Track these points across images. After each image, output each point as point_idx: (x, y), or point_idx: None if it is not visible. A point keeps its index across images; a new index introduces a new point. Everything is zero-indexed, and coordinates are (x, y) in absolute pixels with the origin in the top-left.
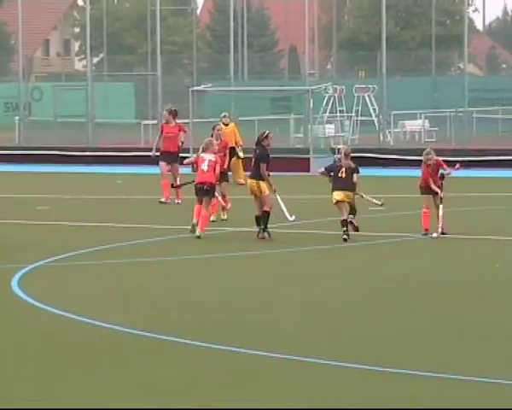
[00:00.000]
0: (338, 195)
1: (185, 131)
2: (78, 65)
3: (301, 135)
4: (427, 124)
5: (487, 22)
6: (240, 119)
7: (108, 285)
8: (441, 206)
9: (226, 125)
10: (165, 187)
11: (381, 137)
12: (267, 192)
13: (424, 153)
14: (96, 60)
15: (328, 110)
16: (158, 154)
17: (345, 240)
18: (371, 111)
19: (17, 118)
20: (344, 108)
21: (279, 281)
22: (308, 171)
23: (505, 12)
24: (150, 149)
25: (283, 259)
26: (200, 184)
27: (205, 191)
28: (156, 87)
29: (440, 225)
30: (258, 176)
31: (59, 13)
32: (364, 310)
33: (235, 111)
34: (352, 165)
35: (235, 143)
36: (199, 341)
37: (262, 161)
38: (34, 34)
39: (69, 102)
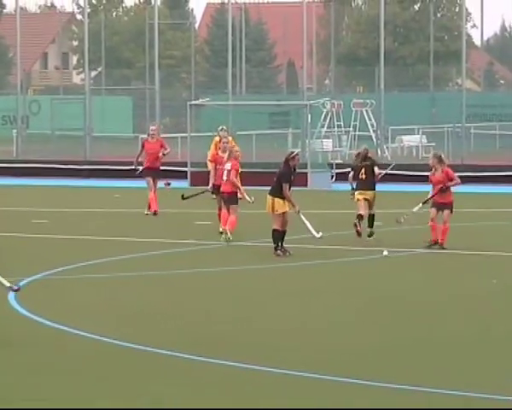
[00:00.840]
0: (360, 194)
1: (166, 148)
2: (76, 78)
3: (299, 150)
4: (424, 139)
5: (485, 38)
6: (238, 133)
7: (104, 299)
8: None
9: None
10: (152, 200)
11: (379, 152)
12: (279, 211)
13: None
14: (94, 73)
15: (325, 125)
16: (140, 168)
17: (357, 232)
18: (369, 126)
19: (15, 131)
20: (342, 123)
21: (271, 295)
22: (306, 185)
23: (503, 28)
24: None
25: (276, 273)
26: (222, 193)
27: (226, 200)
28: (154, 101)
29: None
30: (275, 193)
31: (57, 26)
32: (359, 324)
33: (233, 125)
34: (368, 162)
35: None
36: (192, 354)
37: (283, 180)
38: (32, 47)
39: (67, 116)
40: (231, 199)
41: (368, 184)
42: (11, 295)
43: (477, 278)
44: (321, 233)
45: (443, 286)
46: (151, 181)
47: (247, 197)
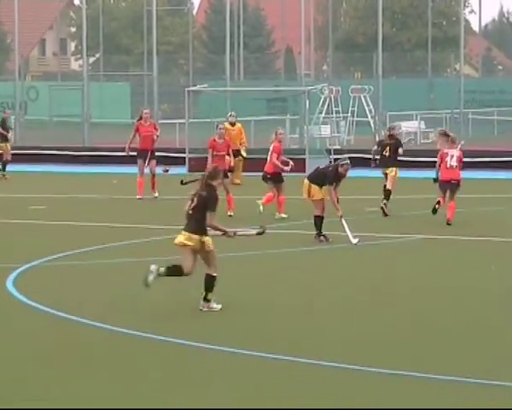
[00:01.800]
0: (382, 170)
1: (157, 130)
2: (75, 65)
3: (297, 136)
4: (422, 125)
5: (483, 24)
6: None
7: (103, 285)
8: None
9: (233, 124)
10: (140, 185)
11: (377, 138)
12: (315, 197)
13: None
14: (92, 60)
15: (323, 111)
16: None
17: (381, 209)
18: (367, 112)
19: (13, 117)
20: (340, 109)
21: (270, 281)
22: (304, 171)
23: (501, 13)
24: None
25: (278, 259)
26: (265, 174)
27: (271, 180)
28: (152, 87)
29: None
30: (313, 179)
31: (55, 12)
32: (362, 311)
33: (231, 111)
34: (393, 141)
35: (240, 144)
36: (190, 341)
37: (327, 181)
38: (30, 34)
39: (65, 102)
40: (275, 179)
41: (390, 161)
42: (9, 281)
43: (475, 264)
44: (358, 239)
45: (443, 272)
46: (142, 165)
47: (286, 168)
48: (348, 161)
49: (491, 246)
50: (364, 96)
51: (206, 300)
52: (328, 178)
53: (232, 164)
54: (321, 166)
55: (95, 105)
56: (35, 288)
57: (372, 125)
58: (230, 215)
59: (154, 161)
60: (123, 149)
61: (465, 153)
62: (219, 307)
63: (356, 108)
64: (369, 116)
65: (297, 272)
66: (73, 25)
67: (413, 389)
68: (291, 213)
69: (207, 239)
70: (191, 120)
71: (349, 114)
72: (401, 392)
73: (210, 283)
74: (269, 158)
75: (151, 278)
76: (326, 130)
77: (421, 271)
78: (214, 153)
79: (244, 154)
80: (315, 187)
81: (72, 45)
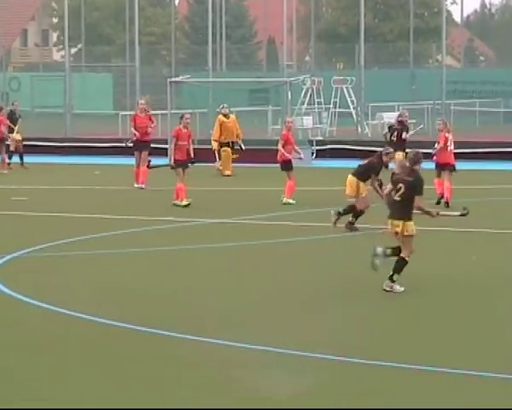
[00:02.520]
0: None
1: (152, 122)
2: (57, 55)
3: (279, 127)
4: None
5: (465, 15)
6: (217, 110)
7: (87, 276)
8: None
9: (226, 116)
10: (140, 174)
11: (359, 129)
12: (363, 194)
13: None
14: (74, 50)
15: (306, 102)
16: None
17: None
18: (349, 103)
19: None
20: (322, 100)
21: (244, 273)
22: None
23: (483, 4)
24: (128, 140)
25: (258, 250)
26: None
27: (282, 168)
28: (134, 78)
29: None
30: (361, 176)
31: (37, 3)
32: (334, 300)
33: (213, 102)
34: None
35: (236, 136)
36: (172, 331)
37: (373, 172)
38: (12, 24)
39: (47, 93)
40: (287, 167)
41: (397, 145)
42: None
43: (456, 254)
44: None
45: (423, 262)
46: (139, 155)
47: (300, 155)
48: (391, 150)
49: (473, 236)
50: (346, 87)
51: (391, 280)
52: (374, 168)
53: (192, 155)
54: (363, 162)
55: (77, 96)
56: (17, 279)
57: (354, 116)
58: (175, 204)
59: (146, 152)
60: (105, 140)
61: None
62: (402, 289)
63: (338, 99)
64: (352, 107)
65: (267, 262)
66: (55, 15)
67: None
68: (270, 204)
69: (410, 224)
70: (173, 111)
71: (331, 105)
72: (356, 379)
73: (400, 265)
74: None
75: (377, 262)
76: (308, 121)
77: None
78: (178, 142)
79: (242, 146)
80: (362, 184)
81: (54, 36)
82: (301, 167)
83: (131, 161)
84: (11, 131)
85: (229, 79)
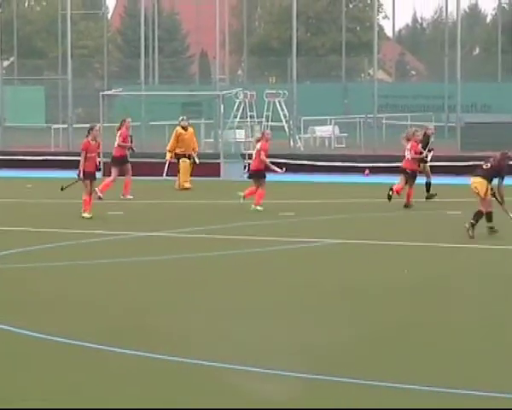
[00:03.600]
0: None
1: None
2: None
3: (212, 140)
4: (337, 130)
5: (397, 29)
6: (150, 123)
7: (20, 290)
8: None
9: (185, 128)
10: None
11: (292, 143)
12: (489, 196)
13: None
14: (6, 63)
15: (238, 115)
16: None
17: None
18: (282, 116)
19: None
20: (254, 114)
21: (185, 285)
22: (219, 175)
23: (415, 19)
24: (60, 154)
25: (187, 264)
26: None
27: (254, 177)
28: (66, 91)
29: None
30: (490, 179)
31: None
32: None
33: (146, 115)
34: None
35: (192, 149)
36: (111, 345)
37: (505, 174)
38: None
39: None
40: (258, 175)
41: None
42: None
43: (386, 268)
44: None
45: (362, 275)
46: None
47: (277, 169)
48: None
49: (398, 250)
50: (279, 101)
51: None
52: (503, 170)
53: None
54: (484, 166)
55: (9, 109)
56: None
57: (287, 129)
58: (83, 217)
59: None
60: (37, 153)
61: (379, 157)
62: None
63: (271, 113)
64: (284, 121)
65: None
66: None
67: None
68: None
69: None
70: (106, 125)
71: (264, 119)
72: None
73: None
74: (254, 156)
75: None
76: (241, 134)
77: (344, 274)
78: (88, 155)
79: (197, 160)
80: (489, 186)
81: None
82: (233, 180)
83: (64, 174)
84: None
85: (161, 91)
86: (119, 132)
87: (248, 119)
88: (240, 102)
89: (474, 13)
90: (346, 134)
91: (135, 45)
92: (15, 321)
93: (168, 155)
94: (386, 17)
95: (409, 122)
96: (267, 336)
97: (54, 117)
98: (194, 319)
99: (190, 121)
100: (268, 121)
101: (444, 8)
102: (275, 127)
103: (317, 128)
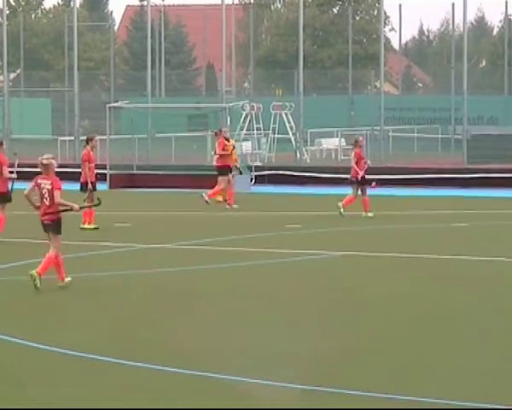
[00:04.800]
0: None
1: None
2: None
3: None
4: (343, 142)
5: (403, 41)
6: (157, 135)
7: (26, 302)
8: None
9: (227, 140)
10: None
11: (298, 155)
12: None
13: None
14: (12, 75)
15: (245, 128)
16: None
17: None
18: (288, 129)
19: None
20: (261, 126)
21: (194, 297)
22: None
23: (421, 31)
24: (67, 166)
25: (197, 276)
26: None
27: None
28: (73, 103)
29: None
30: None
31: None
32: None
33: (152, 128)
34: None
35: (234, 161)
36: (111, 357)
37: None
38: None
39: None
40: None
41: None
42: None
43: (391, 280)
44: None
45: (364, 287)
46: None
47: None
48: None
49: (403, 262)
50: (285, 113)
51: None
52: None
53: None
54: None
55: (15, 121)
56: None
57: (293, 142)
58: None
59: None
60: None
61: (385, 170)
62: None
63: (277, 125)
64: (291, 133)
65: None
66: None
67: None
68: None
69: None
70: (112, 137)
71: (270, 131)
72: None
73: None
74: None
75: None
76: (247, 146)
77: (344, 284)
78: (90, 164)
79: (242, 170)
80: None
81: None
82: (240, 193)
83: (70, 186)
84: None
85: (168, 104)
86: (218, 142)
87: (255, 131)
88: (246, 115)
89: (480, 25)
90: (352, 146)
91: (141, 58)
92: (28, 334)
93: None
94: (392, 29)
95: (415, 134)
96: (278, 346)
97: (60, 129)
98: (203, 329)
99: (197, 134)
100: (274, 133)
101: (450, 21)
102: (281, 139)
103: (324, 140)
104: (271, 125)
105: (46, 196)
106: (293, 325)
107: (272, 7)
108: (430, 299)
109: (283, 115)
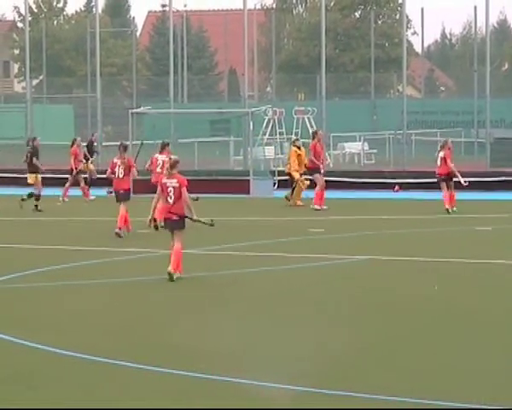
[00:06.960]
0: None
1: None
2: (18, 87)
3: (241, 157)
4: (366, 146)
5: (426, 45)
6: (179, 141)
7: (52, 307)
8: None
9: (299, 148)
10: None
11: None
12: None
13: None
14: (35, 82)
15: (267, 132)
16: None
17: None
18: (311, 133)
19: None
20: (283, 130)
21: (214, 302)
22: (248, 193)
23: (443, 35)
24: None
25: (218, 281)
26: None
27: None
28: (95, 109)
29: None
30: None
31: None
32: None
33: (175, 133)
34: None
35: (304, 166)
36: (133, 362)
37: None
38: None
39: (8, 124)
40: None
41: None
42: None
43: (418, 284)
44: None
45: (388, 291)
46: None
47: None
48: None
49: (431, 266)
50: (308, 118)
51: None
52: None
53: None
54: None
55: (38, 127)
56: None
57: None
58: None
59: None
60: (66, 172)
61: (408, 174)
62: None
63: (300, 130)
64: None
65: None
66: (16, 47)
67: None
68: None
69: None
70: (135, 142)
71: (293, 136)
72: None
73: None
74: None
75: None
76: (270, 151)
77: (369, 288)
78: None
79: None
80: None
81: (15, 67)
82: (263, 198)
83: (92, 191)
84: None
85: (190, 109)
86: (311, 146)
87: (277, 136)
88: (269, 119)
89: (503, 28)
90: (375, 150)
91: (163, 63)
92: (49, 339)
93: (297, 175)
94: (415, 33)
95: (438, 138)
96: (292, 350)
97: (83, 135)
98: (224, 335)
99: (219, 138)
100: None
101: (472, 24)
102: (304, 144)
103: (347, 144)
104: (294, 130)
105: (171, 194)
106: (336, 327)
107: (294, 11)
108: (457, 302)
109: (306, 120)
